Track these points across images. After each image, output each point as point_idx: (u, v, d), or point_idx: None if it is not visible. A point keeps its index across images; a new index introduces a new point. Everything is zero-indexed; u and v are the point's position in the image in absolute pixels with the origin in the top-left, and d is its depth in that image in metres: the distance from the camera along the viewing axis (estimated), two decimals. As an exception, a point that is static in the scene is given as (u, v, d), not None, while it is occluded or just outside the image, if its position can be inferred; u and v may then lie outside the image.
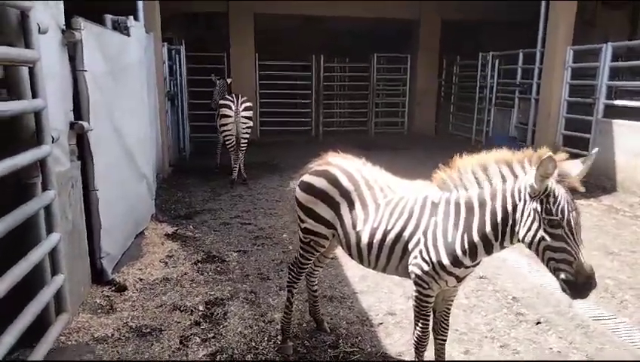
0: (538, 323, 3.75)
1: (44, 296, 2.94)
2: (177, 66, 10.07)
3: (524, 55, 10.77)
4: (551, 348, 3.40)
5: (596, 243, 5.51)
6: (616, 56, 9.33)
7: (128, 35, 5.28)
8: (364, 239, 2.75)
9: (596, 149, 2.21)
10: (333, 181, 2.89)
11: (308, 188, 2.97)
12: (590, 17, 12.60)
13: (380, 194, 2.78)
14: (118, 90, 4.76)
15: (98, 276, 4.14)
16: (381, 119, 15.11)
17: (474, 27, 14.92)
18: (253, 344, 3.38)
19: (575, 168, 2.28)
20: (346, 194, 2.84)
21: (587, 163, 2.28)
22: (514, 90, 11.12)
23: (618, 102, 8.94)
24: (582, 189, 2.26)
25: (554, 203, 2.22)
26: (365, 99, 14.67)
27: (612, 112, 8.52)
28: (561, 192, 2.22)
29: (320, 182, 2.92)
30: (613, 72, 8.70)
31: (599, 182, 8.14)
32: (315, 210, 2.95)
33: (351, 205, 2.83)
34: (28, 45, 2.83)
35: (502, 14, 13.08)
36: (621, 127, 7.91)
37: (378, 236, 2.70)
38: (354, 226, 2.80)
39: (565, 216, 2.21)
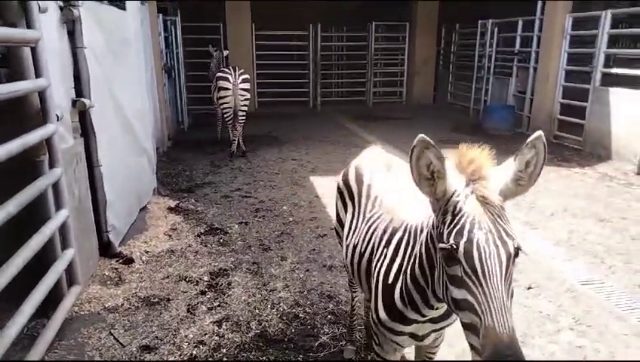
0: (529, 288, 3.92)
1: (57, 269, 3.08)
2: (173, 38, 9.95)
3: (523, 22, 10.67)
4: (540, 312, 3.57)
5: (589, 210, 5.65)
6: (616, 23, 9.27)
7: (124, 8, 5.25)
8: (347, 256, 2.29)
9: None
10: (345, 181, 2.54)
11: (340, 180, 2.66)
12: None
13: (371, 204, 2.23)
14: (117, 65, 4.77)
15: (106, 249, 4.27)
16: (379, 89, 15.09)
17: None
18: (257, 311, 3.54)
19: (500, 174, 1.47)
20: (351, 198, 2.44)
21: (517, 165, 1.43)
22: (512, 59, 11.07)
23: (615, 70, 8.94)
24: (502, 208, 1.46)
25: (451, 221, 1.41)
26: (363, 68, 14.57)
27: (609, 81, 8.56)
28: (468, 205, 1.40)
29: (341, 178, 2.62)
30: (612, 40, 8.67)
31: (595, 151, 8.26)
32: (336, 204, 2.68)
33: (352, 211, 2.40)
34: (29, 25, 2.87)
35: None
36: (617, 95, 7.95)
37: (356, 258, 2.19)
38: (346, 238, 2.37)
39: (462, 244, 1.36)
